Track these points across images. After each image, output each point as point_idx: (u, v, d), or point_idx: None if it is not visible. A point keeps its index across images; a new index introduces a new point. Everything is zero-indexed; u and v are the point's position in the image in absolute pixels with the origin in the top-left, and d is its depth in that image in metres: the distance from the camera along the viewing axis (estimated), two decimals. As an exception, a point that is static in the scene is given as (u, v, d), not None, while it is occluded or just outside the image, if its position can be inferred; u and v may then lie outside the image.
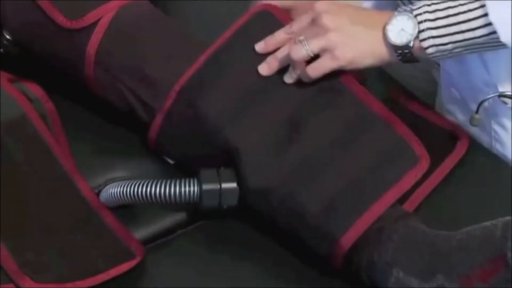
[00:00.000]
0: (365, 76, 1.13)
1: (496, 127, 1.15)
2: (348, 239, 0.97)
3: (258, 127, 1.03)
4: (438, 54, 1.01)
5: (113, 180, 1.10)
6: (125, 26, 1.12)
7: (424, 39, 1.00)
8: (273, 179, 1.01)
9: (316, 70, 1.02)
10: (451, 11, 0.99)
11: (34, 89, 1.11)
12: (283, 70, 1.06)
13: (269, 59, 1.06)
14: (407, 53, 1.01)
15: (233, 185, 1.01)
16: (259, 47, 1.06)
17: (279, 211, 1.02)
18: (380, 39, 1.01)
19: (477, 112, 1.09)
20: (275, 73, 1.06)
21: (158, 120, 1.09)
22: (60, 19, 1.12)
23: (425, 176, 1.04)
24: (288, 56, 1.03)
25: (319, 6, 1.02)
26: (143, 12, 1.15)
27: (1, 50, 1.19)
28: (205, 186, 1.01)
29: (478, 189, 1.09)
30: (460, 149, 1.10)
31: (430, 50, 1.00)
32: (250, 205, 1.04)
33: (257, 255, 1.04)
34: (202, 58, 1.07)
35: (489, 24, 0.97)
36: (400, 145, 1.01)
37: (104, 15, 1.11)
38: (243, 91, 1.06)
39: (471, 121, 1.10)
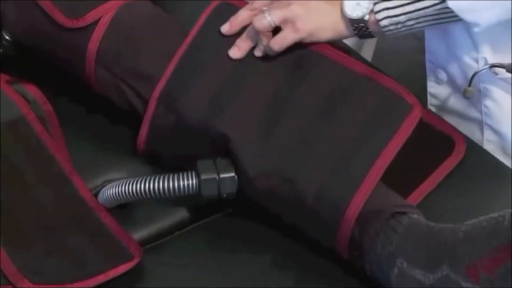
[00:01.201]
0: None
1: (486, 102, 1.15)
2: (359, 198, 0.96)
3: (244, 114, 1.04)
4: (391, 27, 1.04)
5: (110, 181, 1.08)
6: (125, 25, 1.12)
7: (379, 11, 1.03)
8: (267, 162, 1.01)
9: (278, 43, 1.05)
10: None
11: (32, 91, 1.10)
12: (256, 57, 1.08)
13: (238, 41, 1.08)
14: (362, 27, 1.04)
15: (231, 173, 1.02)
16: (225, 29, 1.09)
17: (278, 194, 1.00)
18: (338, 13, 1.05)
19: (470, 85, 1.11)
20: (249, 57, 1.07)
21: (144, 129, 1.09)
22: (61, 18, 1.12)
23: (422, 179, 1.06)
24: (253, 31, 1.06)
25: None
26: (144, 11, 1.15)
27: (1, 51, 1.19)
28: (203, 176, 1.01)
29: (476, 191, 1.08)
30: (457, 154, 1.10)
31: (384, 22, 1.03)
32: (248, 194, 1.03)
33: (255, 255, 1.03)
34: (173, 63, 1.09)
35: None
36: (391, 97, 1.02)
37: (105, 14, 1.12)
38: (221, 82, 1.06)
39: (464, 93, 1.12)
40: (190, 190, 1.01)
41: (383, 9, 1.03)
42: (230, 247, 1.04)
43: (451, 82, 1.18)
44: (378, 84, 1.03)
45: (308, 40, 1.05)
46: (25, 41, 1.19)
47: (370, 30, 1.05)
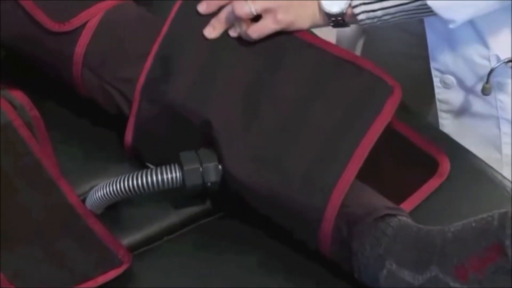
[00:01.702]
0: None
1: (500, 96, 1.16)
2: (345, 180, 0.96)
3: (224, 99, 1.04)
4: (368, 21, 1.05)
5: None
6: (112, 28, 1.12)
7: (356, 6, 1.04)
8: (251, 149, 1.01)
9: (257, 31, 1.05)
10: None
11: (19, 97, 1.09)
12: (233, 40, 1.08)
13: (213, 21, 1.08)
14: (340, 20, 1.06)
15: (214, 162, 1.02)
16: (201, 8, 1.09)
17: (263, 181, 1.00)
18: (316, 6, 1.06)
19: (487, 81, 1.12)
20: (226, 41, 1.08)
21: (130, 126, 1.09)
22: (48, 22, 1.12)
23: (403, 198, 1.05)
24: (231, 14, 1.06)
25: None
26: (130, 14, 1.15)
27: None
28: (187, 167, 1.01)
29: (464, 199, 1.08)
30: (440, 175, 1.09)
31: (361, 17, 1.05)
32: (231, 185, 1.03)
33: (244, 259, 1.03)
34: (151, 55, 1.09)
35: None
36: (371, 79, 1.03)
37: (92, 18, 1.12)
38: (199, 68, 1.07)
39: (483, 90, 1.13)
40: (175, 183, 1.02)
41: (361, 4, 1.04)
42: (219, 251, 1.04)
43: (461, 84, 1.18)
44: (359, 66, 1.03)
45: (286, 30, 1.06)
46: (12, 45, 1.18)
47: (346, 22, 1.07)
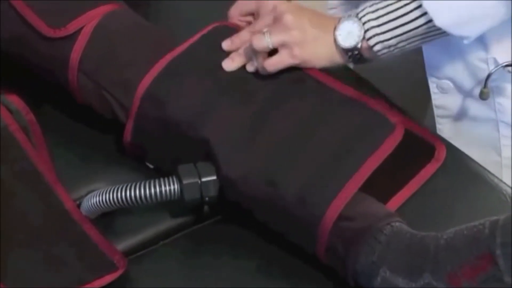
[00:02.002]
0: None
1: (499, 99, 1.17)
2: (335, 207, 0.97)
3: (227, 121, 1.04)
4: (384, 50, 1.06)
5: (94, 191, 1.08)
6: (107, 34, 1.12)
7: (370, 38, 1.05)
8: (248, 165, 1.02)
9: (273, 65, 1.07)
10: (390, 8, 1.04)
11: (15, 101, 1.09)
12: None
13: (233, 54, 1.10)
14: (356, 54, 1.07)
15: (213, 176, 1.02)
16: (226, 44, 1.10)
17: (260, 196, 1.01)
18: (332, 43, 1.07)
19: (485, 86, 1.12)
20: (240, 69, 1.09)
21: (129, 125, 1.09)
22: (43, 28, 1.12)
23: (402, 184, 1.06)
24: (250, 49, 1.07)
25: (281, 6, 1.07)
26: (126, 20, 1.15)
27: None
28: (185, 181, 1.01)
29: (458, 197, 1.08)
30: (437, 160, 1.10)
31: (376, 48, 1.06)
32: (230, 197, 1.03)
33: (240, 263, 1.03)
34: (161, 65, 1.09)
35: (425, 13, 1.02)
36: (373, 116, 1.04)
37: (87, 23, 1.12)
38: (209, 88, 1.07)
39: (481, 95, 1.13)
40: (172, 195, 1.02)
41: (374, 35, 1.05)
42: (215, 256, 1.04)
43: (458, 88, 1.19)
44: (363, 104, 1.05)
45: (302, 66, 1.08)
46: (7, 50, 1.18)
47: (364, 56, 1.07)
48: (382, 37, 1.05)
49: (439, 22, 1.02)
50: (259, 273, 1.02)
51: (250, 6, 1.15)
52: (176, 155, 1.07)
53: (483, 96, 1.13)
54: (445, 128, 1.22)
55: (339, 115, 1.05)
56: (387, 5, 1.04)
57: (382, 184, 1.04)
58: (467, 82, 1.17)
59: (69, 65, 1.11)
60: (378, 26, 1.04)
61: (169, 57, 1.09)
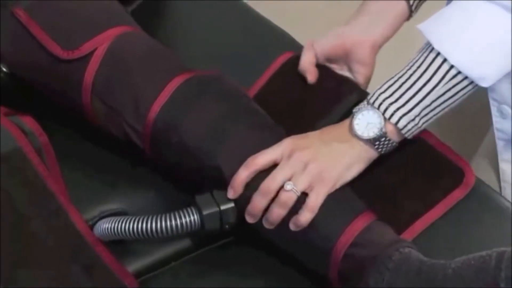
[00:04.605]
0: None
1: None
2: (348, 235, 0.97)
3: (239, 147, 1.04)
4: (410, 125, 1.01)
5: (106, 212, 1.10)
6: (121, 56, 1.12)
7: (391, 115, 1.00)
8: None
9: (315, 203, 0.99)
10: (402, 79, 1.01)
11: (29, 122, 1.10)
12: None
13: (252, 210, 1.01)
14: (384, 141, 1.01)
15: (231, 204, 1.02)
16: (230, 194, 1.02)
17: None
18: (354, 145, 1.02)
19: None
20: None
21: (147, 148, 1.10)
22: (57, 50, 1.12)
23: (427, 208, 1.05)
24: (277, 207, 1.00)
25: (286, 147, 1.01)
26: (139, 41, 1.15)
27: (-1, 82, 1.20)
28: (205, 211, 1.01)
29: (473, 226, 1.07)
30: (466, 185, 1.07)
31: (401, 123, 1.00)
32: (246, 223, 1.03)
33: (251, 284, 1.03)
34: (171, 87, 1.08)
35: (440, 66, 0.98)
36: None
37: (100, 45, 1.12)
38: (221, 112, 1.07)
39: None
40: (193, 227, 1.02)
41: (395, 111, 1.00)
42: (225, 278, 1.05)
43: None
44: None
45: (339, 185, 1.01)
46: (21, 73, 1.19)
47: (391, 140, 1.01)
48: (403, 110, 0.99)
49: (454, 59, 0.98)
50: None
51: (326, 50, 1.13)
52: (192, 176, 1.07)
53: None
54: (504, 151, 1.20)
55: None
56: (398, 79, 1.01)
57: (409, 205, 1.04)
58: None
59: (82, 87, 1.12)
60: (396, 100, 1.00)
61: (180, 79, 1.09)
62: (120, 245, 1.07)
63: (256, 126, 1.07)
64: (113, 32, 1.13)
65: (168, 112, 1.07)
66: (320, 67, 1.15)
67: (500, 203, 1.09)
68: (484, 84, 1.00)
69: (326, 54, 1.15)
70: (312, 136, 1.04)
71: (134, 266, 1.07)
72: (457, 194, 1.07)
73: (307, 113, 1.13)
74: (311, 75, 1.13)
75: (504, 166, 1.21)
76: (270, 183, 1.00)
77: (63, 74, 1.13)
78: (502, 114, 1.17)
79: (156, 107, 1.07)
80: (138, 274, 1.06)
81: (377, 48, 1.13)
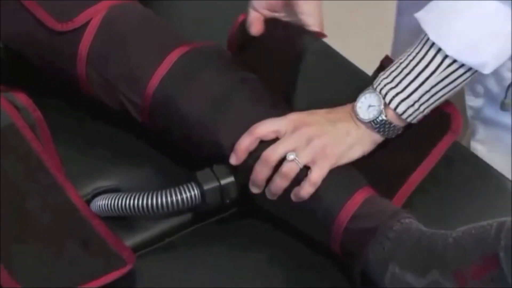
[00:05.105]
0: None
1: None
2: (350, 208, 0.99)
3: (239, 121, 1.04)
4: (410, 110, 1.01)
5: (101, 188, 1.10)
6: (115, 27, 1.12)
7: (391, 100, 1.01)
8: None
9: (318, 178, 1.00)
10: (403, 65, 1.01)
11: (22, 98, 1.09)
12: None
13: (255, 180, 1.02)
14: (384, 124, 1.02)
15: (231, 178, 1.03)
16: (233, 160, 1.03)
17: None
18: (358, 126, 1.03)
19: (505, 97, 1.10)
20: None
21: (145, 118, 1.10)
22: (51, 22, 1.12)
23: (420, 159, 1.05)
24: (279, 178, 1.01)
25: (291, 122, 1.02)
26: (134, 12, 1.14)
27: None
28: (206, 186, 1.02)
29: (471, 197, 1.09)
30: (453, 131, 1.07)
31: (400, 108, 1.01)
32: (247, 195, 1.04)
33: (248, 259, 1.04)
34: (170, 59, 1.08)
35: (436, 55, 0.99)
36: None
37: (95, 16, 1.11)
38: (221, 86, 1.07)
39: (502, 106, 1.11)
40: (193, 202, 1.02)
41: (394, 96, 1.01)
42: (222, 253, 1.05)
43: (488, 94, 1.18)
44: None
45: (341, 163, 1.02)
46: (15, 47, 1.18)
47: (393, 123, 1.02)
48: (402, 95, 1.01)
49: (450, 49, 0.98)
50: (269, 268, 1.03)
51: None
52: (191, 149, 1.08)
53: (503, 107, 1.11)
54: (478, 131, 1.21)
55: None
56: (400, 64, 1.02)
57: (399, 162, 1.05)
58: (495, 89, 1.16)
59: (77, 59, 1.11)
60: (396, 86, 1.01)
61: (178, 52, 1.09)
62: (118, 221, 1.07)
63: (257, 100, 1.07)
64: (108, 3, 1.12)
65: (168, 85, 1.07)
66: (269, 20, 1.13)
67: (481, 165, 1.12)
68: (485, 71, 1.00)
69: (268, 8, 1.12)
70: (318, 114, 1.04)
71: (130, 241, 1.07)
72: (447, 141, 1.06)
73: (269, 73, 1.12)
74: (254, 28, 1.11)
75: (476, 145, 1.23)
76: (271, 153, 1.01)
77: (58, 46, 1.13)
78: (474, 93, 1.20)
79: (155, 80, 1.07)
80: (135, 249, 1.05)
81: None
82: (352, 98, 1.05)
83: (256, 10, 1.12)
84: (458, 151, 1.12)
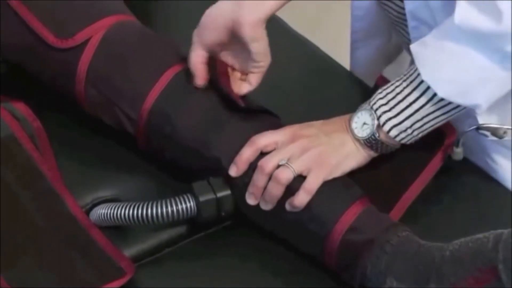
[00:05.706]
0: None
1: (486, 158, 1.14)
2: (344, 222, 0.99)
3: (234, 137, 1.05)
4: (402, 135, 1.02)
5: (100, 199, 1.10)
6: (115, 45, 1.12)
7: (384, 124, 1.02)
8: None
9: (313, 185, 1.01)
10: (397, 90, 1.01)
11: (21, 109, 1.10)
12: None
13: (252, 189, 1.03)
14: (376, 143, 1.03)
15: (227, 191, 1.03)
16: (233, 171, 1.03)
17: (267, 213, 1.03)
18: (353, 138, 1.04)
19: (457, 145, 1.07)
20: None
21: (141, 139, 1.10)
22: (51, 38, 1.12)
23: (415, 175, 1.06)
24: (273, 184, 1.01)
25: (287, 133, 1.03)
26: (133, 31, 1.15)
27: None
28: (202, 198, 1.02)
29: (470, 204, 1.10)
30: (446, 147, 1.07)
31: (392, 133, 1.02)
32: (243, 210, 1.05)
33: (246, 271, 1.04)
34: (166, 76, 1.08)
35: (427, 89, 0.99)
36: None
37: (95, 34, 1.11)
38: (215, 103, 1.07)
39: (452, 155, 1.08)
40: (189, 213, 1.02)
41: (387, 120, 1.01)
42: (220, 264, 1.05)
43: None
44: None
45: (336, 174, 1.03)
46: (15, 59, 1.18)
47: (384, 144, 1.03)
48: (395, 121, 1.01)
49: (441, 92, 0.98)
50: (266, 279, 1.03)
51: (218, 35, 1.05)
52: (188, 165, 1.08)
53: (455, 156, 1.08)
54: None
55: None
56: (395, 88, 1.02)
57: (397, 172, 1.06)
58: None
59: (76, 76, 1.11)
60: (390, 110, 1.01)
61: (174, 70, 1.09)
62: (116, 231, 1.08)
63: (251, 115, 1.07)
64: (108, 21, 1.12)
65: (162, 104, 1.07)
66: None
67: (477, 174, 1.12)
68: (478, 111, 1.01)
69: (216, 43, 1.07)
70: (314, 126, 1.05)
71: (129, 251, 1.07)
72: (440, 157, 1.07)
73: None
74: (199, 78, 1.07)
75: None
76: (266, 162, 1.01)
77: (57, 62, 1.13)
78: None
79: (150, 99, 1.08)
80: (135, 259, 1.06)
81: (261, 22, 1.03)
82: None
83: (201, 46, 1.07)
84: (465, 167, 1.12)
